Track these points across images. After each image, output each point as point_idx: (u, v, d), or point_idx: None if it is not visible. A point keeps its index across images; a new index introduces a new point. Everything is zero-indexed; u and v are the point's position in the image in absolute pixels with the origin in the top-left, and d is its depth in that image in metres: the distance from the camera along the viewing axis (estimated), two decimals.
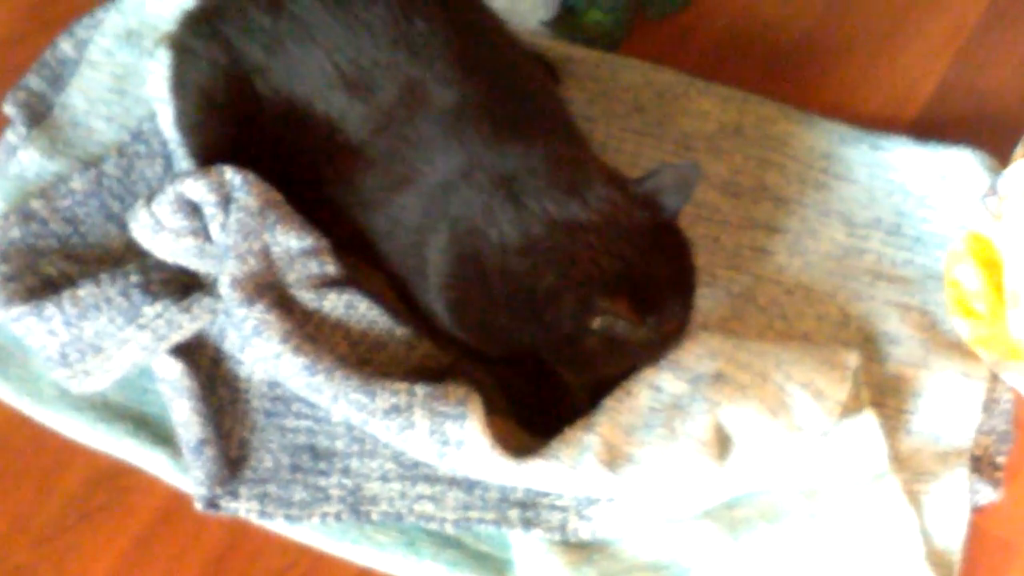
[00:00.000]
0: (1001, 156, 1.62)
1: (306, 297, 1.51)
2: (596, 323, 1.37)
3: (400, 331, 1.51)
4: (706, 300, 1.59)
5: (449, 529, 1.44)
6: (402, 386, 1.43)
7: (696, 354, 1.49)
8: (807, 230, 1.66)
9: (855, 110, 1.78)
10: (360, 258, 1.57)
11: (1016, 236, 1.50)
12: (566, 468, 1.40)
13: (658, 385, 1.47)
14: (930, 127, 1.76)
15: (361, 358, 1.49)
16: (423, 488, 1.46)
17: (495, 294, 1.41)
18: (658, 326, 1.40)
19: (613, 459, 1.41)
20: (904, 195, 1.69)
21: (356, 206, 1.53)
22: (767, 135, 1.74)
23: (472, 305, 1.45)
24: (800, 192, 1.69)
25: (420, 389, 1.42)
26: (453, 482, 1.46)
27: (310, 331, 1.48)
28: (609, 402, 1.46)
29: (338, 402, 1.42)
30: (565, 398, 1.52)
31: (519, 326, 1.42)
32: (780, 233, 1.66)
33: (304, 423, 1.51)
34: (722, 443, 1.44)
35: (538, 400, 1.51)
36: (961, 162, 1.69)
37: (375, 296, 1.53)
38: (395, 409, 1.41)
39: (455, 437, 1.40)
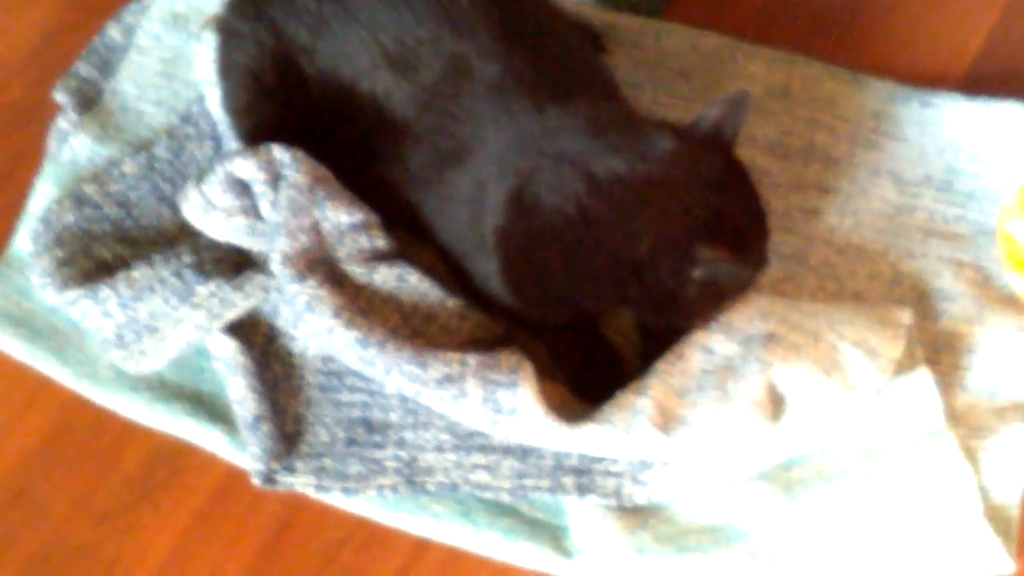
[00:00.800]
0: None
1: (357, 271, 1.51)
2: (698, 273, 1.37)
3: (451, 302, 1.51)
4: None
5: (504, 497, 1.45)
6: (454, 356, 1.43)
7: (747, 315, 1.48)
8: (858, 190, 1.65)
9: (904, 67, 1.76)
10: (410, 233, 1.57)
11: None
12: (619, 432, 1.40)
13: (709, 347, 1.47)
14: (980, 82, 1.73)
15: (413, 330, 1.49)
16: (478, 458, 1.46)
17: (571, 264, 1.42)
18: (754, 261, 1.41)
19: (666, 422, 1.41)
20: (955, 151, 1.67)
21: (405, 183, 1.53)
22: (815, 96, 1.72)
23: (535, 276, 1.45)
24: (850, 152, 1.68)
25: (472, 359, 1.43)
26: (507, 451, 1.46)
27: (362, 305, 1.48)
28: (660, 365, 1.45)
29: (391, 374, 1.43)
30: (616, 363, 1.52)
31: (602, 292, 1.43)
32: (830, 193, 1.65)
33: (358, 397, 1.51)
34: (775, 404, 1.43)
35: (589, 366, 1.51)
36: (1012, 116, 1.67)
37: (425, 269, 1.53)
38: (448, 379, 1.41)
39: (508, 405, 1.41)
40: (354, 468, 1.47)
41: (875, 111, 1.71)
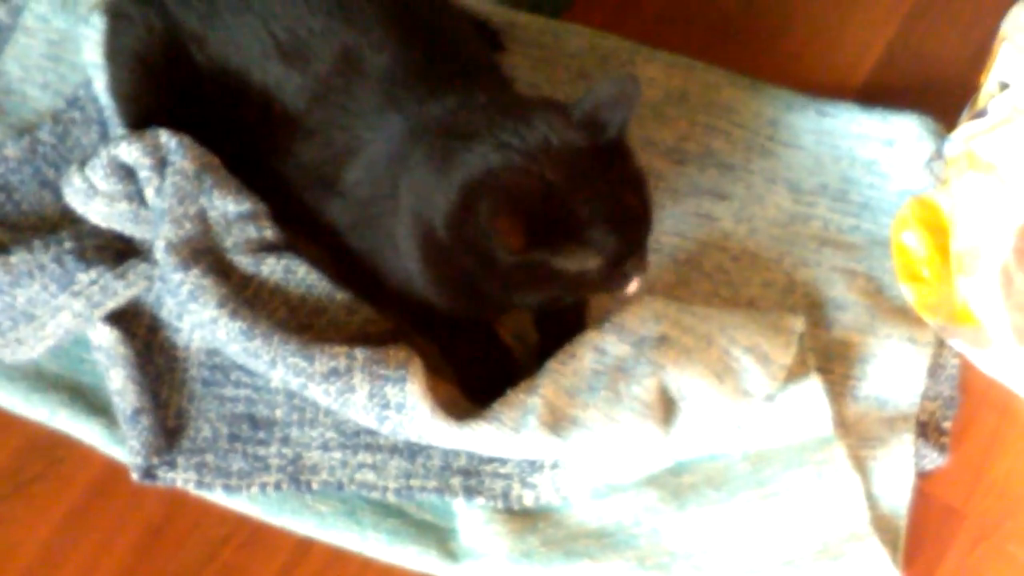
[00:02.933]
0: (948, 121, 1.60)
1: (244, 262, 1.49)
2: (472, 229, 1.32)
3: (340, 296, 1.49)
4: (652, 267, 1.54)
5: (391, 498, 1.43)
6: (341, 350, 1.41)
7: (640, 317, 1.48)
8: (753, 196, 1.65)
9: (801, 76, 1.76)
10: (297, 228, 1.54)
11: (962, 200, 1.49)
12: (508, 431, 1.39)
13: (602, 347, 1.46)
14: (877, 93, 1.74)
15: (300, 323, 1.46)
16: (364, 457, 1.44)
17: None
18: (591, 248, 1.33)
19: (556, 421, 1.40)
20: (851, 161, 1.67)
21: (296, 177, 1.51)
22: (713, 102, 1.72)
23: (450, 267, 1.41)
24: (746, 159, 1.68)
25: (360, 353, 1.41)
26: (395, 450, 1.45)
27: (248, 296, 1.46)
28: (552, 364, 1.44)
29: (276, 367, 1.40)
30: (509, 365, 1.50)
31: (478, 273, 1.38)
32: (726, 200, 1.64)
33: (243, 392, 1.49)
34: (667, 407, 1.43)
35: (482, 367, 1.49)
36: (908, 128, 1.67)
37: (313, 262, 1.51)
38: (334, 372, 1.39)
39: (395, 400, 1.39)
40: (237, 465, 1.44)
41: (772, 119, 1.71)
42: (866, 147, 1.68)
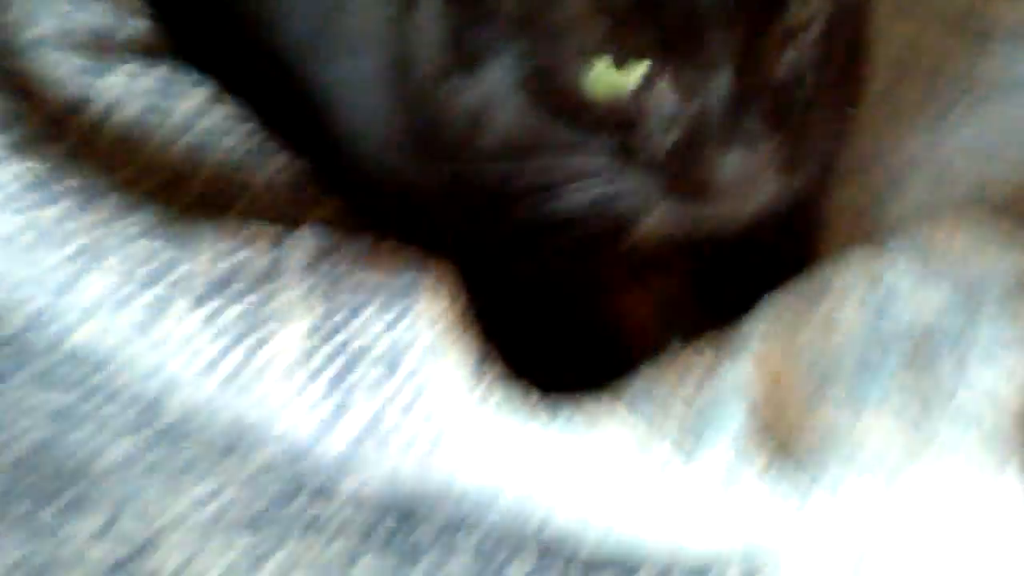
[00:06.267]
0: None
1: (62, 72, 0.81)
2: None
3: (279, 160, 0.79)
4: None
5: None
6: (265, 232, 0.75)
7: (964, 244, 0.76)
8: None
9: None
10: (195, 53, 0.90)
11: None
12: (668, 447, 0.64)
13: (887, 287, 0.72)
14: None
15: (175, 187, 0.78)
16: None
17: None
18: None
19: (785, 439, 0.65)
20: None
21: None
22: None
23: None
24: None
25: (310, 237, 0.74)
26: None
27: (73, 142, 0.80)
28: (774, 310, 0.72)
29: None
30: (616, 337, 0.79)
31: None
32: None
33: None
34: None
35: (552, 330, 0.79)
36: None
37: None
38: (234, 274, 0.73)
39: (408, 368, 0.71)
40: None
41: None
42: None
